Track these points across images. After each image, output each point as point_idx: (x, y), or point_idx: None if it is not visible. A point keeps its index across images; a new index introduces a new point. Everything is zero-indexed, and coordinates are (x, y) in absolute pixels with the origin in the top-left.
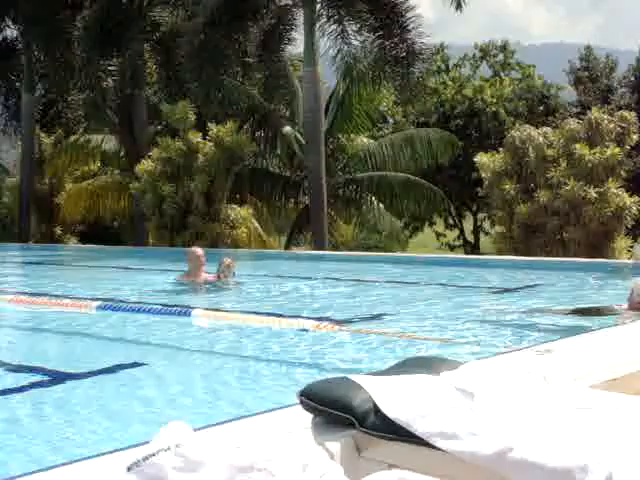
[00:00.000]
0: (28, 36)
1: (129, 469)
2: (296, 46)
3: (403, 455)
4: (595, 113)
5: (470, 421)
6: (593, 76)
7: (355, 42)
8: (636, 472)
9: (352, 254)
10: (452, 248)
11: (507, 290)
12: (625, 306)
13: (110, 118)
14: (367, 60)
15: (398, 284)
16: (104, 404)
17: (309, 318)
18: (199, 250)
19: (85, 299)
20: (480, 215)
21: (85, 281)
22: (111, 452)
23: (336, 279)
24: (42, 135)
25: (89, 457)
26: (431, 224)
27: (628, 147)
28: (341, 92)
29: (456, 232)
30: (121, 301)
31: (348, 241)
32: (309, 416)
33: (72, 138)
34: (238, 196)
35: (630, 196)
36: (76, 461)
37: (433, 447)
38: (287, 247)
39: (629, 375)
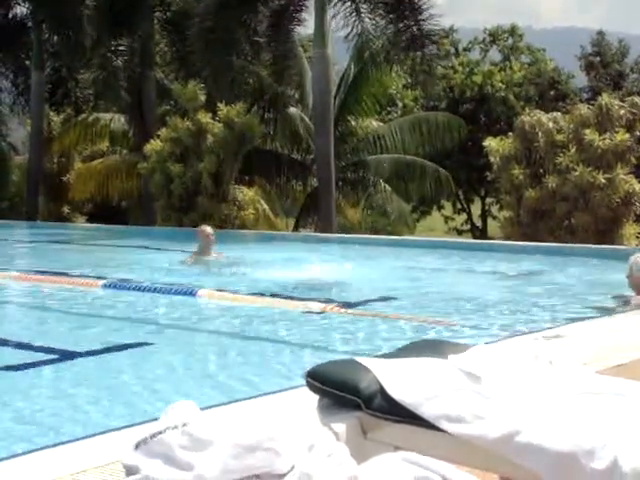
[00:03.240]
0: (38, 15)
1: (137, 446)
2: (307, 27)
3: (409, 437)
4: (606, 99)
5: (477, 404)
6: (604, 61)
7: (368, 21)
8: None
9: (360, 237)
10: (460, 232)
11: (515, 275)
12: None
13: (121, 97)
14: (380, 41)
15: (406, 267)
16: (110, 382)
17: (316, 300)
18: (208, 228)
19: (92, 277)
20: (488, 200)
21: (92, 260)
22: (118, 429)
23: (343, 261)
24: (51, 114)
25: (96, 434)
26: (439, 208)
27: (638, 133)
28: (351, 74)
29: (464, 216)
30: (127, 280)
31: (356, 224)
32: (316, 397)
33: (81, 117)
34: (247, 178)
35: (639, 182)
36: (83, 438)
37: (439, 430)
38: (295, 229)
39: (636, 361)
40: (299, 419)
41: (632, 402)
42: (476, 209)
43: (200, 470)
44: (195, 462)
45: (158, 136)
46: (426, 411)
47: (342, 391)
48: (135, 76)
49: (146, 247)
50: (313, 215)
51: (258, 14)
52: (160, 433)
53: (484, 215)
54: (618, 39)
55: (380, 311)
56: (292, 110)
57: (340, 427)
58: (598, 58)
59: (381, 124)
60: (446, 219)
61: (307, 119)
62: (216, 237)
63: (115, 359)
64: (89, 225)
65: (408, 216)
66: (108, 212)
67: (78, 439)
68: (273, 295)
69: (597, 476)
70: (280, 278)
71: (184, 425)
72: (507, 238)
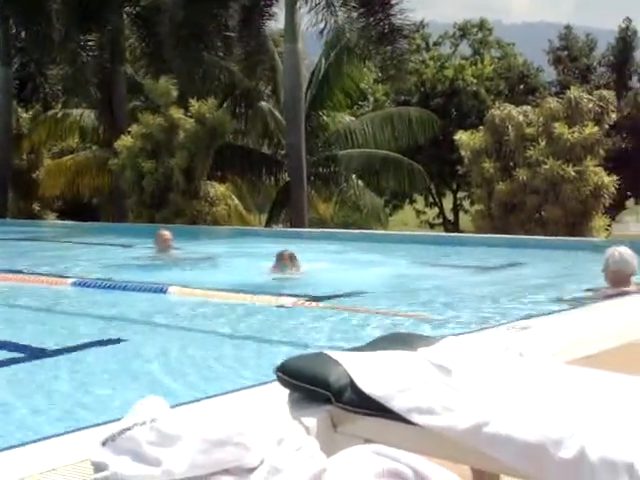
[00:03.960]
0: (6, 9)
1: (104, 443)
2: (277, 22)
3: (379, 430)
4: (574, 92)
5: (446, 396)
6: (572, 55)
7: (339, 15)
8: (608, 446)
9: (332, 231)
10: (432, 226)
11: (487, 268)
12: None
13: (91, 93)
14: (352, 34)
15: (378, 262)
16: (79, 380)
17: (287, 295)
18: (167, 233)
19: (61, 275)
20: (460, 193)
21: (62, 257)
22: (89, 427)
23: (315, 256)
24: (20, 110)
25: (65, 433)
26: (411, 202)
27: (607, 126)
28: (322, 69)
29: (436, 210)
30: (96, 277)
31: (328, 219)
32: (286, 392)
33: (50, 113)
34: (219, 173)
35: (608, 175)
36: (53, 436)
37: (409, 422)
38: (268, 225)
39: (605, 352)
40: (269, 414)
41: (600, 392)
42: (448, 203)
43: (168, 466)
44: (163, 458)
45: (129, 132)
46: (396, 404)
47: (312, 385)
48: (105, 71)
49: (116, 244)
50: (285, 210)
51: (229, 9)
52: (128, 429)
53: (456, 209)
54: (585, 33)
55: (352, 305)
56: (263, 105)
57: (310, 421)
58: (566, 52)
59: (353, 119)
60: (418, 213)
61: (278, 114)
62: (173, 238)
63: (85, 357)
64: (59, 222)
65: (381, 210)
66: (79, 209)
67: (47, 437)
68: (244, 291)
69: (565, 465)
70: (251, 273)
71: (152, 421)
72: (478, 231)
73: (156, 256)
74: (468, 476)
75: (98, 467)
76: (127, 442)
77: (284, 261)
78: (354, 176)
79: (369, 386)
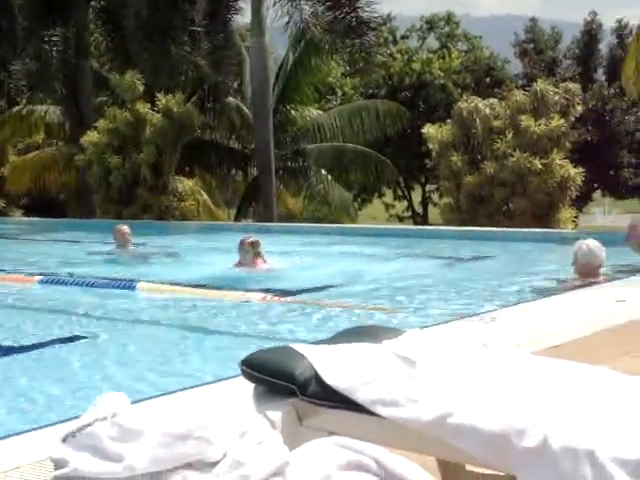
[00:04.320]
0: None
1: (64, 440)
2: (244, 16)
3: (344, 422)
4: (540, 85)
5: (411, 388)
6: (538, 48)
7: (305, 8)
8: (570, 434)
9: (301, 225)
10: (401, 219)
11: (455, 260)
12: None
13: (56, 88)
14: (316, 29)
15: (347, 255)
16: (44, 377)
17: (256, 290)
18: (125, 227)
19: (28, 273)
20: (429, 187)
21: (28, 255)
22: (53, 424)
23: (284, 251)
24: None
25: (27, 431)
26: (380, 196)
27: (572, 118)
28: (290, 63)
29: (405, 204)
30: (63, 274)
31: (297, 213)
32: (251, 386)
33: (15, 109)
34: (187, 168)
35: (574, 167)
36: (16, 434)
37: (374, 414)
38: (237, 219)
39: (569, 342)
40: (234, 408)
41: (563, 381)
42: (417, 196)
43: (130, 461)
44: (125, 453)
45: (95, 127)
46: (361, 396)
47: (277, 378)
48: (70, 66)
49: (83, 240)
50: (254, 205)
51: (195, 3)
52: (89, 425)
53: (425, 202)
54: (551, 26)
55: (320, 299)
56: (231, 100)
57: (275, 414)
58: (532, 45)
59: (321, 113)
60: (387, 207)
61: (246, 109)
62: (131, 232)
63: (53, 353)
64: (25, 219)
65: (349, 204)
66: (46, 205)
67: (10, 435)
68: (212, 286)
69: (528, 454)
70: (220, 269)
71: (113, 416)
72: (447, 224)
73: (115, 251)
74: (433, 467)
75: (58, 464)
76: (88, 438)
77: (245, 247)
78: (323, 170)
79: (334, 379)
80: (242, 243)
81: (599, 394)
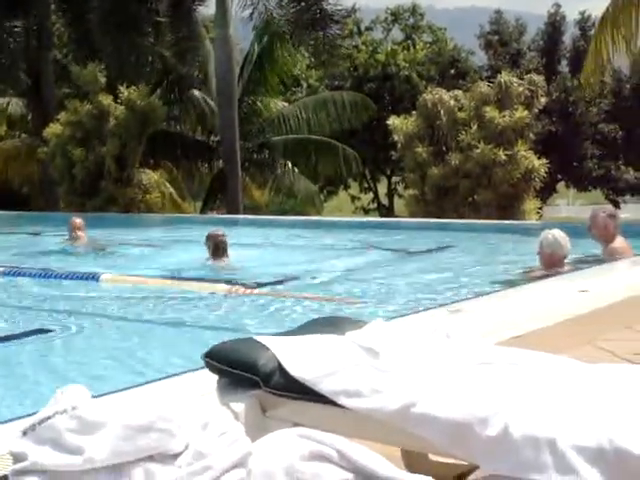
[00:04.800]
0: None
1: (24, 433)
2: (208, 7)
3: (307, 413)
4: (505, 77)
5: (374, 378)
6: (503, 40)
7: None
8: (530, 422)
9: (266, 218)
10: (367, 211)
11: (419, 252)
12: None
13: (18, 80)
14: (282, 21)
15: (313, 247)
16: (5, 372)
17: (222, 281)
18: (78, 220)
19: None
20: (394, 178)
21: None
22: (13, 420)
23: (250, 243)
24: None
25: None
26: (346, 188)
27: (536, 110)
28: (255, 55)
29: (371, 195)
30: (25, 267)
31: (262, 205)
32: (215, 378)
33: None
34: (152, 161)
35: (538, 159)
36: None
37: (337, 405)
38: (202, 212)
39: (531, 332)
40: (196, 400)
41: (525, 371)
42: (383, 188)
43: (90, 453)
44: (85, 446)
45: (58, 120)
46: (324, 387)
47: (240, 370)
48: (33, 58)
49: (45, 233)
50: (220, 197)
51: None
52: (49, 418)
53: (390, 193)
54: (515, 18)
55: (286, 291)
56: (196, 92)
57: (239, 406)
58: (497, 37)
59: (286, 104)
60: (353, 199)
61: (210, 101)
62: (84, 225)
63: (14, 347)
64: None
65: (315, 196)
66: (8, 198)
67: None
68: (178, 278)
69: (490, 443)
70: (185, 261)
71: (73, 409)
72: (412, 215)
73: (68, 244)
74: (397, 457)
75: (17, 457)
76: (48, 431)
77: (211, 240)
78: (289, 162)
79: (297, 370)
80: (209, 236)
81: (560, 383)
